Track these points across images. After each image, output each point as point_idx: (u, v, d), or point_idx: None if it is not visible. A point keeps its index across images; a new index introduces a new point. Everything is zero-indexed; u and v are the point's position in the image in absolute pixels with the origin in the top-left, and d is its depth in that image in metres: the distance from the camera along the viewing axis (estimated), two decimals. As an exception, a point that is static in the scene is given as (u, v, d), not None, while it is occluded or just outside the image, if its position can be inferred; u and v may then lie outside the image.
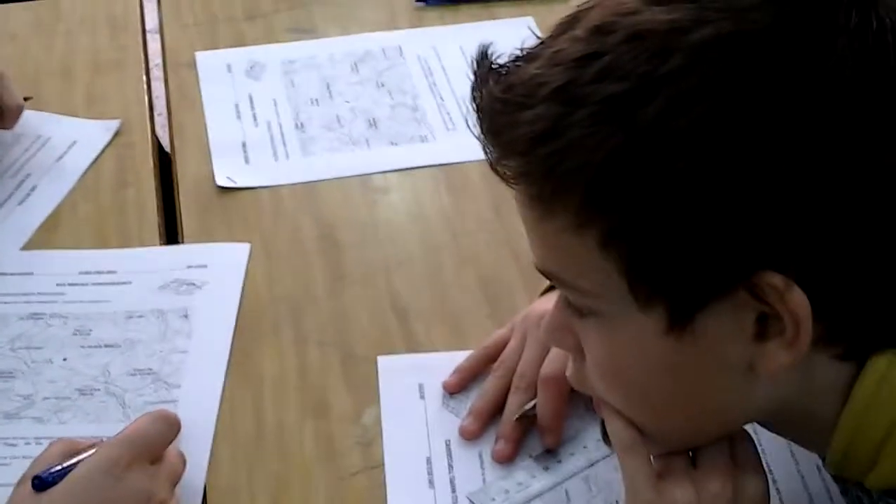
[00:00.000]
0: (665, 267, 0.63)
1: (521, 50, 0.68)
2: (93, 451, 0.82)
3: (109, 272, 1.06)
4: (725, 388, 0.67)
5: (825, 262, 0.62)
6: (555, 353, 0.91)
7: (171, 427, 0.85)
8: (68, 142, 1.20)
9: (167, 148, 1.22)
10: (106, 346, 0.99)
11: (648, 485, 0.75)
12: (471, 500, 0.87)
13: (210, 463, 0.89)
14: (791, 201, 0.60)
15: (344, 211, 1.12)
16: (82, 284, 1.05)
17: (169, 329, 1.00)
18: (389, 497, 0.87)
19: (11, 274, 1.06)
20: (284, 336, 1.00)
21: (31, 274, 1.06)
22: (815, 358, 0.65)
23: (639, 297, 0.65)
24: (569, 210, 0.64)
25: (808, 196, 0.60)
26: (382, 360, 0.97)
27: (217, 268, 1.06)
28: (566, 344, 0.74)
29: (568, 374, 0.76)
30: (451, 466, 0.89)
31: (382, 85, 1.27)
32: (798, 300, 0.62)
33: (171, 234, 1.12)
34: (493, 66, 0.67)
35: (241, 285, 1.04)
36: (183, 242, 1.09)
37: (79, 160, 1.18)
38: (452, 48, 1.32)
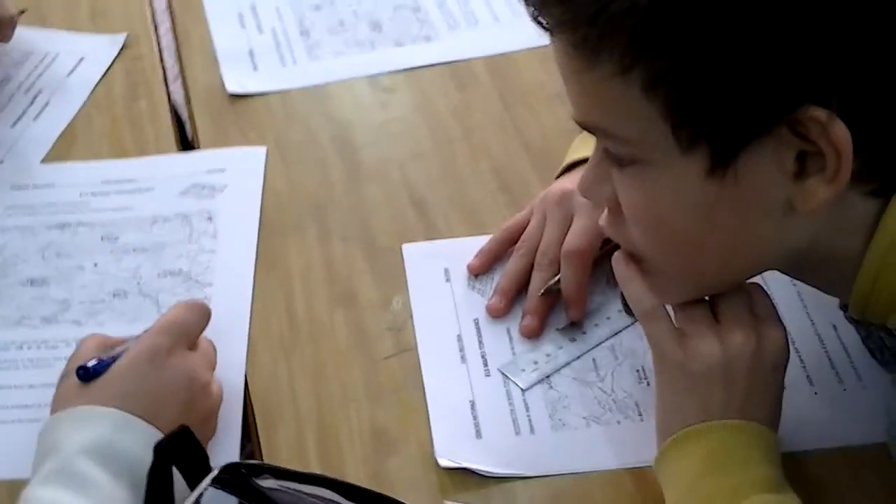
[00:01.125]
0: (709, 107, 0.65)
1: None
2: (128, 343, 0.85)
3: (130, 180, 1.08)
4: (762, 228, 0.70)
5: (865, 94, 0.65)
6: (576, 228, 0.94)
7: (203, 314, 0.87)
8: (76, 57, 1.21)
9: (174, 59, 1.23)
10: (134, 250, 1.01)
11: (674, 344, 0.78)
12: (502, 372, 0.91)
13: (248, 354, 0.93)
14: (834, 30, 0.63)
15: (355, 111, 1.15)
16: (104, 193, 1.07)
17: (195, 231, 1.03)
18: (425, 375, 0.90)
19: (34, 187, 1.08)
20: (308, 232, 1.02)
21: (54, 186, 1.07)
22: (848, 195, 0.68)
23: (681, 140, 0.67)
24: (613, 56, 0.66)
25: (851, 25, 0.63)
26: (407, 248, 1.00)
27: (235, 171, 1.08)
28: (603, 197, 0.76)
29: (601, 222, 0.79)
30: (481, 343, 0.93)
31: (384, -9, 1.29)
32: (840, 133, 0.64)
33: (185, 142, 1.14)
34: None
35: (260, 187, 1.06)
36: (199, 149, 1.11)
37: (88, 75, 1.19)
38: (448, -50, 1.33)
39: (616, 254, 0.80)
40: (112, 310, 0.96)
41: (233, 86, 1.16)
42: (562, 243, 0.94)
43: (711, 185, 0.67)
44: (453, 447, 0.85)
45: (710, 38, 0.63)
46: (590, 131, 0.75)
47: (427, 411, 0.88)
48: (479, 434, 0.86)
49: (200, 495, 0.73)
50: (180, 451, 0.75)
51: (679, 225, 0.72)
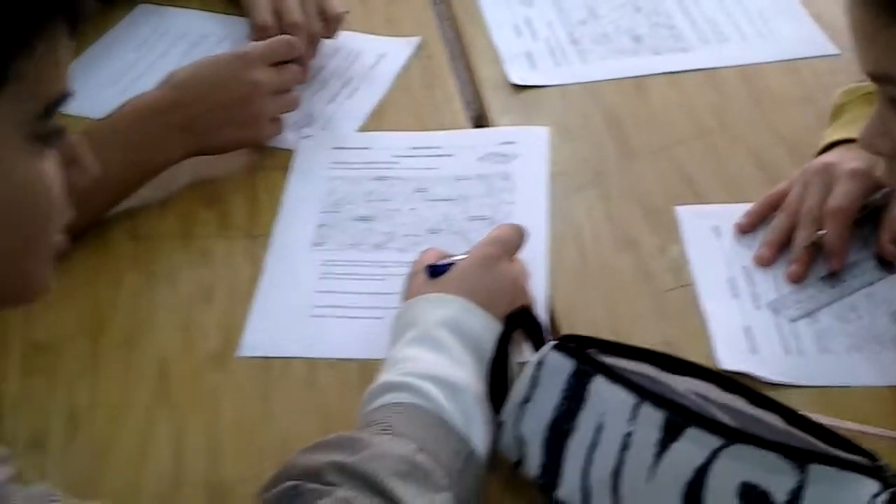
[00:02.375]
0: None
1: None
2: (459, 255, 1.02)
3: (435, 147, 1.26)
4: None
5: None
6: (837, 192, 1.08)
7: (522, 233, 1.04)
8: (377, 54, 1.41)
9: (460, 59, 1.42)
10: (443, 199, 1.19)
11: None
12: (771, 307, 1.05)
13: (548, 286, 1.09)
14: None
15: (623, 104, 1.31)
16: (413, 156, 1.25)
17: (493, 188, 1.20)
18: (703, 304, 1.05)
19: (353, 148, 1.27)
20: (590, 193, 1.19)
21: (370, 149, 1.26)
22: None
23: None
24: None
25: None
26: (679, 209, 1.16)
27: (524, 144, 1.25)
28: (884, 147, 0.91)
29: (878, 173, 0.93)
30: (750, 283, 1.07)
31: (639, 9, 1.46)
32: None
33: (476, 124, 1.32)
34: None
35: (547, 156, 1.23)
36: (491, 127, 1.29)
37: (390, 68, 1.39)
38: (696, -18, 1.51)
39: None
40: (430, 243, 1.13)
41: (516, 78, 1.35)
42: (822, 205, 1.08)
43: None
44: (733, 356, 1.00)
45: None
46: (882, 82, 0.89)
47: (707, 331, 1.03)
48: (753, 350, 1.01)
49: (545, 355, 0.88)
50: (525, 322, 0.91)
51: None
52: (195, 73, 1.20)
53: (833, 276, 1.07)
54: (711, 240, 1.13)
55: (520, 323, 0.92)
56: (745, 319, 1.04)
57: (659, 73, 1.35)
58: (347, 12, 1.39)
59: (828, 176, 1.10)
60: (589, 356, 0.88)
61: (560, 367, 0.88)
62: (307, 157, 1.25)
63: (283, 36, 1.27)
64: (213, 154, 1.21)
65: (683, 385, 0.87)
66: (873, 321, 1.03)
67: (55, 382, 1.01)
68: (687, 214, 1.15)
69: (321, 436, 0.87)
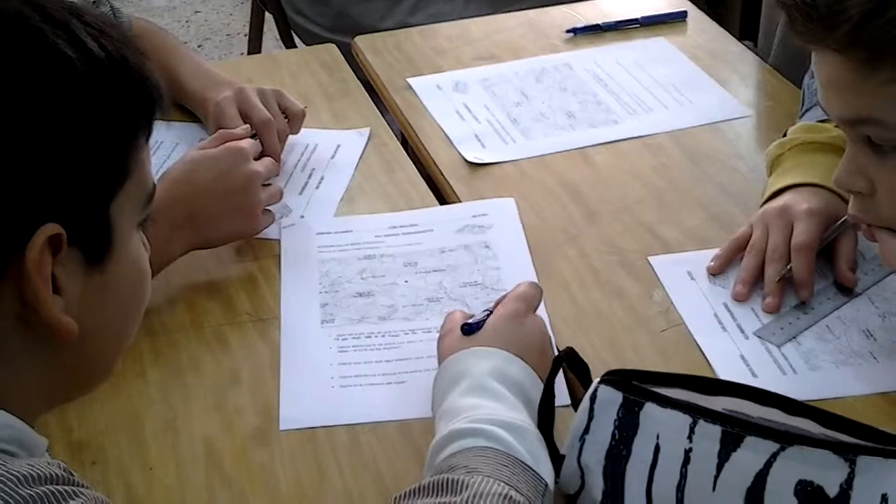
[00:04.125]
0: None
1: None
2: (482, 313, 1.09)
3: (412, 225, 1.34)
4: None
5: None
6: (799, 230, 1.20)
7: (540, 290, 1.12)
8: (334, 146, 1.48)
9: (411, 143, 1.51)
10: (434, 270, 1.27)
11: None
12: (757, 336, 1.16)
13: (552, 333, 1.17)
14: None
15: (576, 172, 1.42)
16: (394, 235, 1.33)
17: (478, 256, 1.28)
18: (697, 339, 1.15)
19: (335, 232, 1.33)
20: (569, 252, 1.29)
21: (351, 231, 1.33)
22: None
23: None
24: (889, 65, 0.93)
25: None
26: (653, 259, 1.27)
27: (496, 214, 1.34)
28: (858, 185, 1.03)
29: (851, 211, 1.06)
30: (733, 316, 1.18)
31: (565, 89, 1.58)
32: None
33: (442, 200, 1.40)
34: None
35: (519, 223, 1.33)
36: (460, 202, 1.38)
37: (348, 157, 1.46)
38: (610, 62, 1.64)
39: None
40: (431, 310, 1.21)
41: (471, 157, 1.44)
42: (788, 243, 1.20)
43: None
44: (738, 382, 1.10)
45: None
46: (857, 125, 1.01)
47: (709, 363, 1.13)
48: (753, 374, 1.11)
49: (596, 389, 0.96)
50: (572, 363, 0.99)
51: None
52: (191, 168, 1.25)
53: (804, 304, 1.20)
54: (688, 283, 1.24)
55: (568, 364, 1.00)
56: (738, 349, 1.15)
57: (599, 144, 1.47)
58: (307, 107, 1.46)
59: (787, 217, 1.23)
60: (635, 387, 0.97)
61: (611, 399, 0.96)
62: (294, 245, 1.31)
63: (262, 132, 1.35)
64: (213, 247, 1.26)
65: (720, 404, 0.96)
66: (849, 339, 1.15)
67: (108, 474, 1.03)
68: (661, 263, 1.27)
69: (379, 493, 0.92)
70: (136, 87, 0.78)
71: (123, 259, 0.79)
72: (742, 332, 1.17)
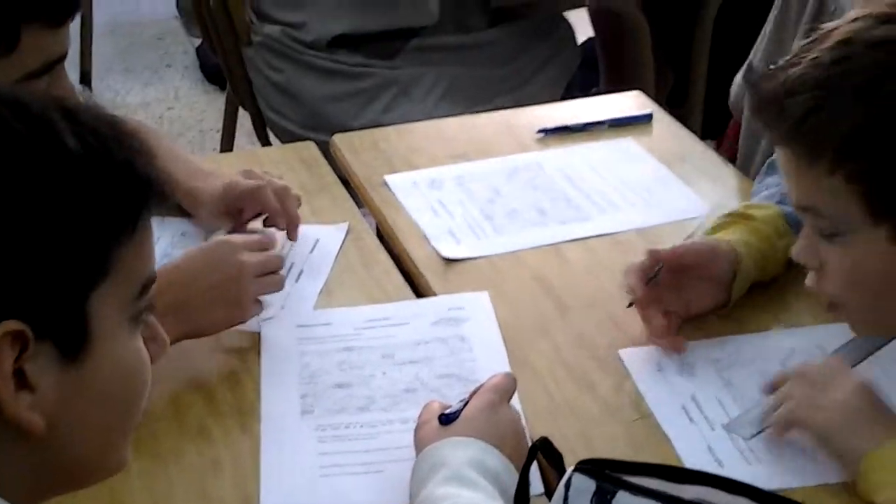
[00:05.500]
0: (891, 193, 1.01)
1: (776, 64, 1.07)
2: (458, 404, 1.13)
3: (387, 318, 1.38)
4: None
5: None
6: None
7: (514, 381, 1.16)
8: (312, 240, 1.53)
9: (388, 238, 1.56)
10: (410, 362, 1.30)
11: None
12: (726, 429, 1.20)
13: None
14: None
15: (547, 267, 1.47)
16: (372, 328, 1.36)
17: (453, 348, 1.32)
18: (666, 430, 1.19)
19: (315, 325, 1.37)
20: (541, 346, 1.33)
21: (330, 324, 1.37)
22: None
23: (873, 215, 1.02)
24: (825, 160, 1.02)
25: None
26: (623, 352, 1.31)
27: (471, 308, 1.39)
28: (812, 263, 1.11)
29: (808, 283, 1.13)
30: (700, 408, 1.23)
31: (537, 187, 1.64)
32: None
33: (418, 294, 1.44)
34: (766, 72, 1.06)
35: (494, 316, 1.37)
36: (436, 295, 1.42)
37: (327, 251, 1.51)
38: (579, 161, 1.70)
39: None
40: (408, 401, 1.24)
41: (446, 253, 1.49)
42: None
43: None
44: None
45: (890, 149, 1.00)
46: (806, 212, 1.09)
47: (677, 454, 1.17)
48: (720, 464, 1.15)
49: (570, 477, 0.99)
50: (546, 452, 1.03)
51: (872, 280, 1.06)
52: (184, 258, 1.31)
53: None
54: (657, 376, 1.28)
55: (543, 453, 1.03)
56: (705, 440, 1.19)
57: (570, 240, 1.52)
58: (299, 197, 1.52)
59: None
60: (608, 475, 1.00)
61: (585, 487, 0.99)
62: (274, 336, 1.35)
63: (262, 228, 1.41)
64: (200, 336, 1.29)
65: (690, 493, 1.00)
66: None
67: (92, 562, 1.05)
68: (630, 356, 1.31)
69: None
70: (118, 185, 0.77)
71: (107, 354, 0.78)
72: (710, 423, 1.21)
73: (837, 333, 1.27)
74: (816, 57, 1.04)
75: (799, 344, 1.32)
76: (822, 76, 1.02)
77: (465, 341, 1.34)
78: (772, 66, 1.07)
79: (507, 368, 1.28)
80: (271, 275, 1.34)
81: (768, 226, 1.36)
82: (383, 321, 1.37)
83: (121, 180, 0.78)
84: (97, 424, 0.81)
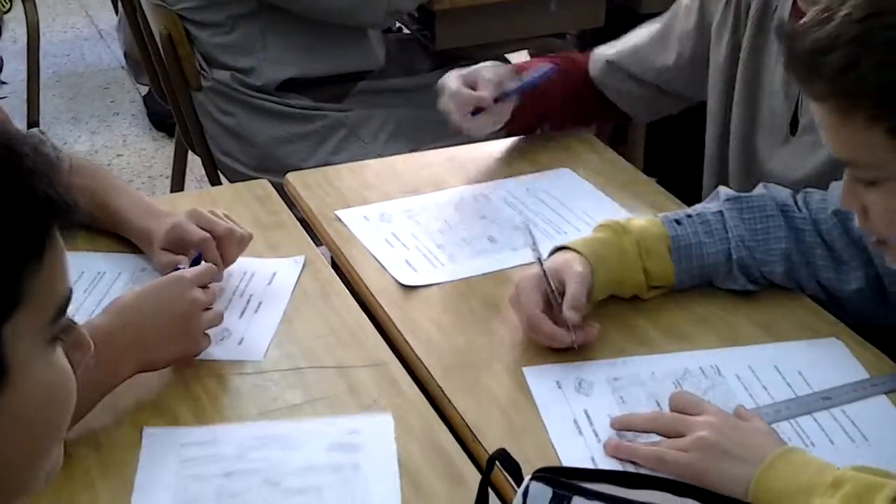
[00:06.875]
0: None
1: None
2: None
3: (282, 437, 1.28)
4: None
5: None
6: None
7: None
8: (270, 273, 1.57)
9: (344, 269, 1.60)
10: (298, 492, 1.21)
11: None
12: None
13: None
14: None
15: (498, 294, 1.52)
16: (260, 448, 1.27)
17: (345, 478, 1.23)
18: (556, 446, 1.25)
19: (199, 443, 1.26)
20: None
21: (216, 442, 1.26)
22: None
23: None
24: (862, 115, 1.08)
25: None
26: (527, 370, 1.37)
27: (369, 432, 1.29)
28: (854, 208, 1.18)
29: (857, 224, 1.21)
30: (591, 422, 1.29)
31: (484, 217, 1.69)
32: None
33: (375, 324, 1.49)
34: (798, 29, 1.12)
35: (393, 445, 1.27)
36: (382, 327, 1.47)
37: (285, 282, 1.55)
38: (524, 192, 1.76)
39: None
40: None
41: (405, 281, 1.54)
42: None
43: None
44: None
45: None
46: (847, 164, 1.16)
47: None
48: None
49: (528, 485, 1.04)
50: (504, 462, 1.07)
51: None
52: (139, 296, 1.34)
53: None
54: (555, 392, 1.34)
55: (501, 463, 1.08)
56: (590, 451, 1.24)
57: (525, 264, 1.56)
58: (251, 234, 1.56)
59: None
60: (563, 482, 1.05)
61: (541, 494, 1.04)
62: (154, 455, 1.25)
63: (209, 264, 1.43)
64: (157, 369, 1.34)
65: (641, 497, 1.05)
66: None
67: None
68: (532, 373, 1.37)
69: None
70: (16, 214, 0.72)
71: (27, 380, 0.75)
72: (597, 436, 1.27)
73: (732, 356, 1.37)
74: (849, 13, 1.09)
75: (692, 364, 1.38)
76: (856, 32, 1.08)
77: (358, 470, 1.24)
78: (802, 23, 1.13)
79: None
80: (211, 309, 1.38)
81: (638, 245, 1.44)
82: (274, 442, 1.28)
83: (18, 208, 0.73)
84: (23, 442, 0.78)
